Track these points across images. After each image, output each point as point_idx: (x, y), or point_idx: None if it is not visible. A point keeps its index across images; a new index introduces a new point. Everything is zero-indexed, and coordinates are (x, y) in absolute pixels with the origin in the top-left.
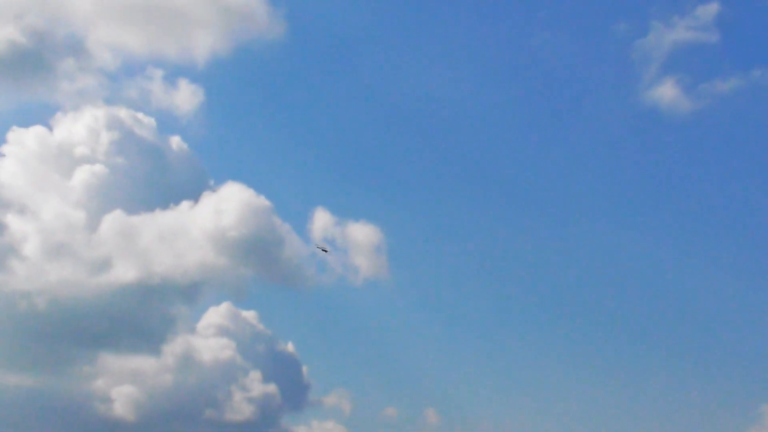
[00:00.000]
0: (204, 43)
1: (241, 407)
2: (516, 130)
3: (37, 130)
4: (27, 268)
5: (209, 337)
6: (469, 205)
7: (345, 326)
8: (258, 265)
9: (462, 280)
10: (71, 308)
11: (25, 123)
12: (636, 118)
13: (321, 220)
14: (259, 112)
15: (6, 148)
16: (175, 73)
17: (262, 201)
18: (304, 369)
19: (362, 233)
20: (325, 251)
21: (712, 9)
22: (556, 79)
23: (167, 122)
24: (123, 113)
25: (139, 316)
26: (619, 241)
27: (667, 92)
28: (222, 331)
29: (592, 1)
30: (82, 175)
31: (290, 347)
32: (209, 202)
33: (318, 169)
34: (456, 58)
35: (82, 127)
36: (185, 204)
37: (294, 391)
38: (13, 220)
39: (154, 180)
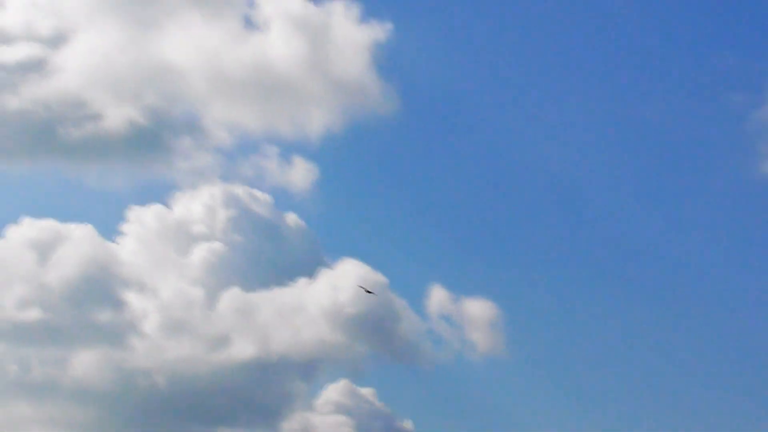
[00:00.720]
0: (318, 120)
1: None
2: (631, 203)
3: (156, 208)
4: (146, 346)
5: (327, 414)
6: (588, 280)
7: (463, 403)
8: (375, 341)
9: (582, 356)
10: (190, 385)
11: (144, 201)
12: (751, 191)
13: (437, 296)
14: (373, 188)
15: (125, 227)
16: (290, 150)
17: (378, 277)
18: None
19: (479, 309)
20: (370, 292)
21: None
22: (668, 147)
23: (283, 199)
24: (239, 190)
25: (257, 393)
26: (743, 320)
27: None
28: (340, 409)
29: (708, 71)
30: (200, 252)
31: (408, 425)
32: (326, 278)
33: (434, 245)
34: (571, 127)
35: (199, 204)
36: (302, 281)
37: None
38: (133, 298)
39: (271, 257)
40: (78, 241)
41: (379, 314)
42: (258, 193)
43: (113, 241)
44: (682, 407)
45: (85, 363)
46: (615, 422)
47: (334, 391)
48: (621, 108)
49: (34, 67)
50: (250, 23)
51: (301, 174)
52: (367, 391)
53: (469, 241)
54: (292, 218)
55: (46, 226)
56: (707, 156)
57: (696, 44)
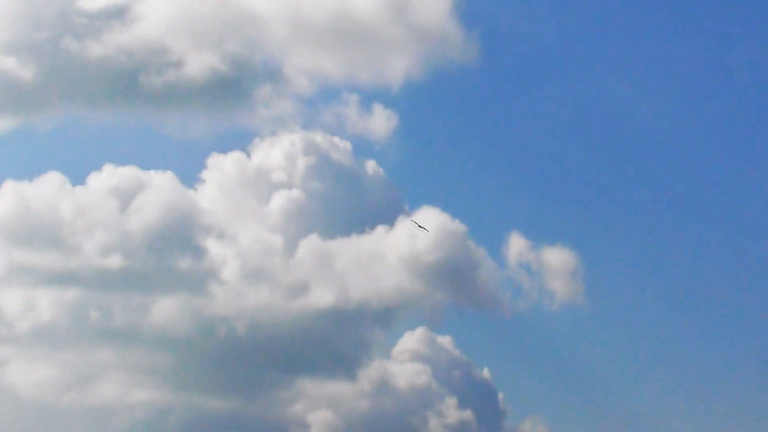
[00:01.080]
0: (398, 68)
1: None
2: (716, 153)
3: (236, 156)
4: (226, 293)
5: (405, 362)
6: (668, 230)
7: (541, 352)
8: (453, 290)
9: (662, 305)
10: (269, 333)
11: (224, 149)
12: None
13: (516, 244)
14: (453, 137)
15: (206, 174)
16: (370, 97)
17: (457, 225)
18: (500, 395)
19: (558, 258)
20: (422, 228)
21: None
22: (751, 98)
23: (362, 147)
24: (319, 138)
25: (336, 341)
26: None
27: None
28: (417, 357)
29: None
30: (280, 200)
31: (486, 373)
32: (404, 226)
33: (513, 193)
34: (657, 75)
35: (279, 152)
36: (381, 228)
37: (490, 418)
38: (212, 245)
39: (350, 205)
40: (159, 188)
41: (457, 262)
42: (337, 141)
43: (193, 189)
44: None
45: (166, 310)
46: (695, 372)
47: (411, 339)
48: (709, 56)
49: (116, 15)
50: None
51: (380, 122)
52: (444, 339)
53: (549, 190)
54: (371, 166)
55: (128, 173)
56: None
57: None
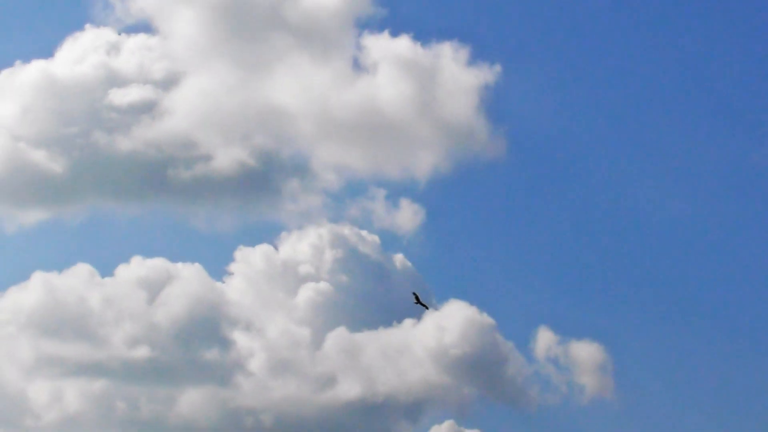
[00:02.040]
0: (425, 163)
1: None
2: (737, 251)
3: (263, 249)
4: (253, 385)
5: None
6: (698, 325)
7: None
8: (481, 383)
9: (694, 402)
10: (295, 425)
11: (252, 242)
12: None
13: (544, 338)
14: (480, 231)
15: (234, 267)
16: (396, 192)
17: (485, 319)
18: None
19: (586, 352)
20: (424, 306)
21: None
22: None
23: (389, 241)
24: (347, 231)
25: None
26: None
27: None
28: None
29: None
30: (307, 292)
31: None
32: (432, 320)
33: (541, 287)
34: (683, 175)
35: (306, 245)
36: (408, 322)
37: None
38: (240, 337)
39: (378, 297)
40: (186, 280)
41: (485, 356)
42: (365, 234)
43: (221, 281)
44: None
45: (192, 401)
46: None
47: None
48: (734, 154)
49: (146, 109)
50: (357, 65)
51: (408, 216)
52: None
53: (577, 284)
54: (399, 259)
55: (156, 265)
56: None
57: None
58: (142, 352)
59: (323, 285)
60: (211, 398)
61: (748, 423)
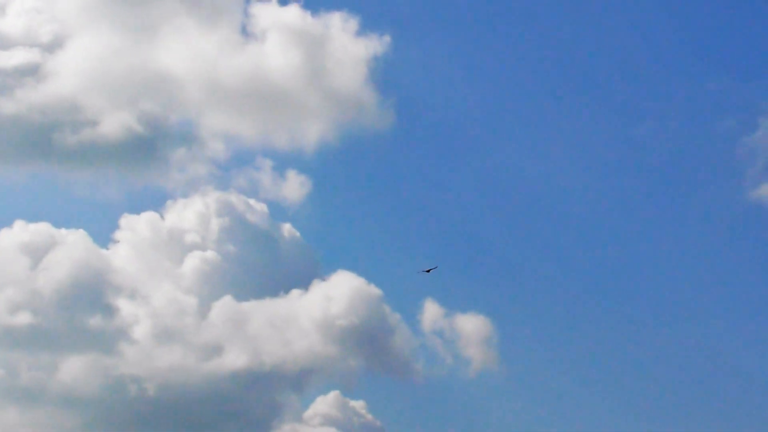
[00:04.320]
0: (312, 133)
1: None
2: (620, 223)
3: (149, 216)
4: (137, 353)
5: (316, 426)
6: (582, 296)
7: (455, 419)
8: (367, 354)
9: (577, 373)
10: (180, 394)
11: (138, 210)
12: (740, 216)
13: (431, 311)
14: (368, 202)
15: (119, 234)
16: (284, 163)
17: (373, 290)
18: None
19: (472, 324)
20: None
21: None
22: (659, 171)
23: (277, 211)
24: (234, 199)
25: (247, 403)
26: (731, 337)
27: None
28: (329, 421)
29: (700, 96)
30: (193, 261)
31: None
32: (319, 290)
33: (428, 259)
34: (565, 146)
35: (193, 213)
36: (295, 292)
37: None
38: (124, 305)
39: (265, 267)
40: (71, 246)
41: (372, 327)
42: (253, 202)
43: (106, 248)
44: (680, 422)
45: (75, 369)
46: None
47: (324, 403)
48: (614, 130)
49: (31, 72)
50: (246, 32)
51: (294, 187)
52: (357, 404)
53: (464, 257)
54: (287, 229)
55: (39, 230)
56: (697, 180)
57: (687, 69)
58: (23, 318)
59: (210, 254)
60: (94, 366)
61: (630, 391)
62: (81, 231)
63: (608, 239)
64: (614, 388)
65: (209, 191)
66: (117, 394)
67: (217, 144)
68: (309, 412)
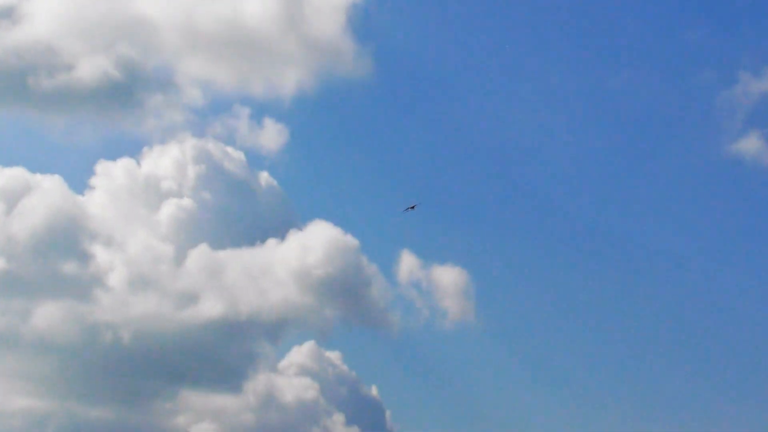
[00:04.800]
0: (290, 80)
1: None
2: (596, 175)
3: (125, 163)
4: (112, 300)
5: (292, 376)
6: (557, 250)
7: (431, 370)
8: (344, 305)
9: (552, 325)
10: (155, 342)
11: (114, 156)
12: (718, 170)
13: (407, 262)
14: (346, 151)
15: (95, 180)
16: (261, 111)
17: (350, 240)
18: (388, 413)
19: (449, 276)
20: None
21: None
22: (636, 123)
23: (254, 159)
24: (211, 147)
25: (222, 352)
26: (707, 290)
27: (751, 145)
28: (305, 371)
29: (680, 47)
30: (169, 208)
31: (374, 390)
32: (296, 240)
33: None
34: (540, 98)
35: (169, 160)
36: (272, 241)
37: None
38: (99, 252)
39: (242, 216)
40: (45, 192)
41: (348, 278)
42: (230, 150)
43: (81, 194)
44: (644, 374)
45: (49, 315)
46: (582, 394)
47: (299, 354)
48: (591, 80)
49: (6, 14)
50: None
51: (272, 135)
52: (333, 355)
53: (440, 208)
54: (264, 177)
55: (13, 175)
56: (675, 133)
57: (667, 18)
58: None
59: (186, 201)
60: (69, 313)
61: (609, 344)
62: (56, 176)
63: (585, 190)
64: (593, 339)
65: (186, 138)
66: (91, 341)
67: (193, 90)
68: (284, 362)
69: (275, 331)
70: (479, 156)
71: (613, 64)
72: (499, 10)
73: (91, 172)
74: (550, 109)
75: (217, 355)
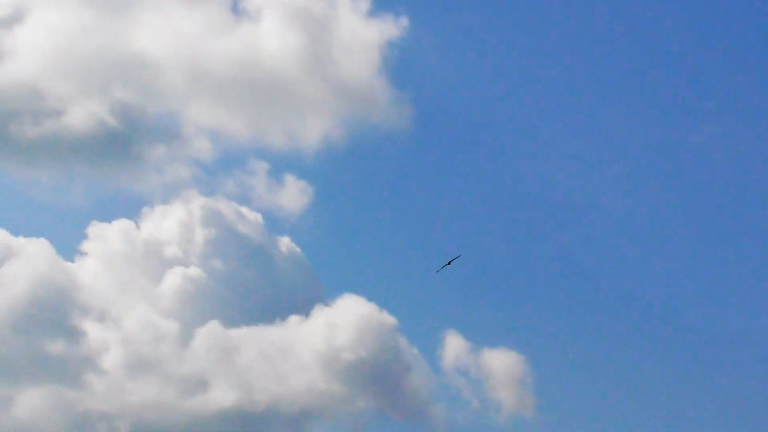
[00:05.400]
0: (314, 131)
1: None
2: (677, 246)
3: (122, 224)
4: (106, 386)
5: None
6: (627, 329)
7: None
8: (378, 394)
9: (624, 419)
10: None
11: (108, 217)
12: None
13: (454, 345)
14: (380, 213)
15: (86, 245)
16: (280, 166)
17: (386, 318)
18: None
19: (502, 362)
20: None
21: None
22: (719, 178)
23: (272, 223)
24: (223, 207)
25: None
26: None
27: None
28: None
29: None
30: (174, 279)
31: None
32: (322, 316)
33: (450, 284)
34: (607, 153)
35: (173, 222)
36: (294, 318)
37: None
38: (92, 328)
39: (259, 288)
40: (30, 258)
41: (384, 362)
42: (245, 211)
43: (71, 261)
44: None
45: (33, 403)
46: None
47: None
48: (667, 134)
49: None
50: (237, 10)
51: (293, 194)
52: None
53: (491, 282)
54: (284, 243)
55: None
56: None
57: (753, 64)
58: None
59: (193, 270)
60: (56, 400)
61: None
62: (42, 240)
63: (662, 265)
64: None
65: (193, 197)
66: None
67: (202, 141)
68: None
69: (298, 424)
70: (536, 221)
71: (693, 116)
72: (559, 48)
73: (82, 236)
74: (620, 166)
75: None
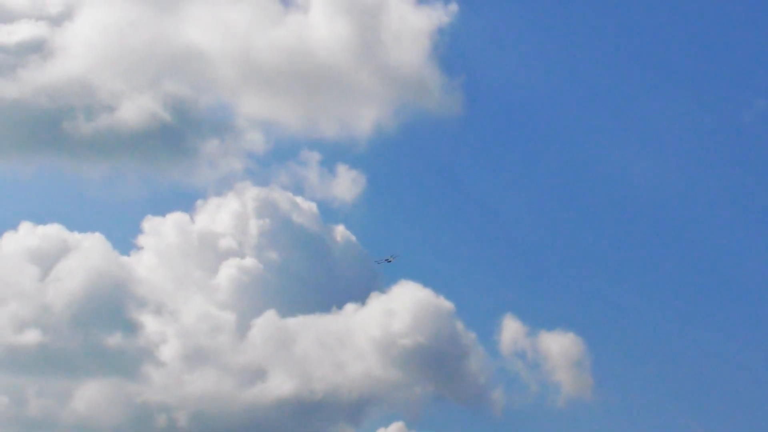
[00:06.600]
0: (366, 119)
1: None
2: (734, 228)
3: (177, 218)
4: (165, 377)
5: None
6: (685, 310)
7: None
8: (436, 380)
9: (682, 400)
10: (215, 426)
11: (163, 210)
12: None
13: (511, 328)
14: (433, 200)
15: (142, 239)
16: (333, 156)
17: (442, 303)
18: None
19: (560, 344)
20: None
21: None
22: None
23: (327, 212)
24: (277, 197)
25: None
26: None
27: None
28: None
29: None
30: (229, 270)
31: None
32: (379, 303)
33: (506, 268)
34: (658, 135)
35: (228, 214)
36: (350, 306)
37: None
38: (148, 321)
39: (314, 277)
40: (86, 252)
41: (441, 348)
42: (300, 201)
43: (127, 255)
44: None
45: (92, 396)
46: None
47: None
48: (719, 116)
49: (36, 48)
50: (286, 1)
51: (346, 184)
52: None
53: (547, 264)
54: (339, 232)
55: (49, 234)
56: None
57: None
58: (31, 336)
59: (249, 261)
60: (114, 392)
61: (742, 424)
62: (98, 235)
63: (719, 247)
64: (727, 421)
65: (247, 188)
66: (141, 425)
67: (254, 133)
68: None
69: (356, 411)
70: (589, 203)
71: (743, 97)
72: (612, 35)
73: (137, 230)
74: (675, 150)
75: None
